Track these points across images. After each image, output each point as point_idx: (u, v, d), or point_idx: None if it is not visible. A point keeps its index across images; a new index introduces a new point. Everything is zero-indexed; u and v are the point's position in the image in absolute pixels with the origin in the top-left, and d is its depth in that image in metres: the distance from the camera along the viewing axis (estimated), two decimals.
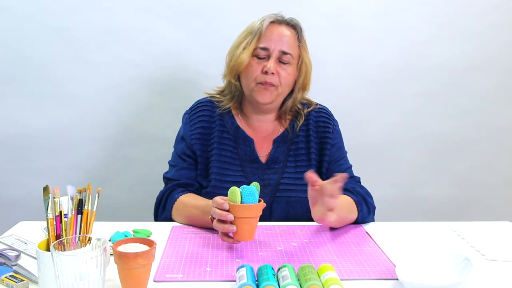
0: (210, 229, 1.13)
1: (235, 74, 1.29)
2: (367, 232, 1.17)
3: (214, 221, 1.04)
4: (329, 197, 0.98)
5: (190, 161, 1.32)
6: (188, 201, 1.22)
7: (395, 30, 1.80)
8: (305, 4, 1.75)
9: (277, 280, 0.84)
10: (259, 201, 1.02)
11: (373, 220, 1.27)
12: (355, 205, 1.20)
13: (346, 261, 0.99)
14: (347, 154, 1.39)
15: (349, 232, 1.17)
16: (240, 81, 1.30)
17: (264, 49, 1.24)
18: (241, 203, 1.01)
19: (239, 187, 1.02)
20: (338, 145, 1.35)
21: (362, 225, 1.22)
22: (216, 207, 1.02)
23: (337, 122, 1.38)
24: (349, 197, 1.21)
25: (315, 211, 1.03)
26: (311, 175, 1.01)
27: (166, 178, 1.34)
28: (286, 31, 1.26)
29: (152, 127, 1.81)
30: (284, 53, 1.24)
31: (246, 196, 1.01)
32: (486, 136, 1.92)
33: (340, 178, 0.98)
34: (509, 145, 1.94)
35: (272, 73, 1.23)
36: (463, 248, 1.08)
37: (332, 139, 1.33)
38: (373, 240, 1.11)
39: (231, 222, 1.00)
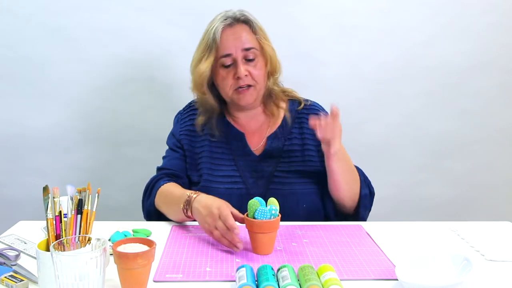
0: None
1: (201, 86, 1.29)
2: (367, 232, 1.17)
3: (218, 235, 1.03)
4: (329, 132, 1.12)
5: (181, 152, 1.36)
6: (168, 190, 1.23)
7: (395, 30, 1.80)
8: (305, 4, 1.75)
9: (277, 280, 0.84)
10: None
11: (369, 196, 1.31)
12: (359, 178, 1.28)
13: (346, 261, 0.99)
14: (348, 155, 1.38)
15: (349, 232, 1.17)
16: (211, 92, 1.32)
17: (227, 55, 1.25)
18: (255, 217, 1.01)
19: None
20: None
21: (362, 225, 1.22)
22: (224, 226, 1.02)
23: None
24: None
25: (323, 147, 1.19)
26: (314, 123, 1.13)
27: (158, 169, 1.37)
28: (240, 30, 1.26)
29: (152, 127, 1.81)
30: (247, 49, 1.25)
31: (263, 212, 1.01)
32: (486, 137, 1.92)
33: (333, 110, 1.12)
34: (509, 145, 1.94)
35: (246, 75, 1.24)
36: (463, 248, 1.08)
37: None
38: (373, 240, 1.11)
39: (250, 238, 1.02)
